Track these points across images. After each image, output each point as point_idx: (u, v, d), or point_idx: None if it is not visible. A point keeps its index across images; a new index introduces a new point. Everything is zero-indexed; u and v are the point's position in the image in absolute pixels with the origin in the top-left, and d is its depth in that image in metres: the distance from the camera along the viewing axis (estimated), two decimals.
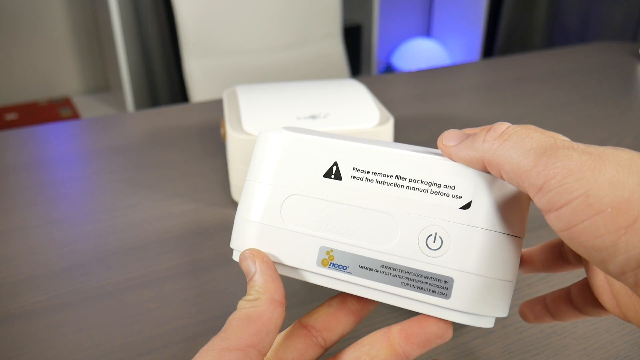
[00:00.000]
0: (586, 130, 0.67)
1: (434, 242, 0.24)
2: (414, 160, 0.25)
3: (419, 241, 0.25)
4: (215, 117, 0.70)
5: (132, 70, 1.81)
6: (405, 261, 0.25)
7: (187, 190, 0.53)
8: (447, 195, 0.24)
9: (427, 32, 2.51)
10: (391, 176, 0.25)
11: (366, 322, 0.37)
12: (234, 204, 0.51)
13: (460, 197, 0.24)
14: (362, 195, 0.25)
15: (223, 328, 0.24)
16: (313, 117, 0.48)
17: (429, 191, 0.25)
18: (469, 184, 0.24)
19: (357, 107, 0.50)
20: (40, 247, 0.45)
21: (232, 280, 0.41)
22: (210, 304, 0.39)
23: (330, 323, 0.27)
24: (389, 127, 0.48)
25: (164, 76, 1.94)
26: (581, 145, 0.21)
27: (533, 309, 0.30)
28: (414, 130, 0.67)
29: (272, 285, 0.25)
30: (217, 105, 0.74)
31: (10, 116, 1.77)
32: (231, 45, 1.23)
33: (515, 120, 0.70)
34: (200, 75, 1.21)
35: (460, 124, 0.68)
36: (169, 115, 0.72)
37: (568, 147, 0.21)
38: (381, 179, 0.25)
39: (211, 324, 0.37)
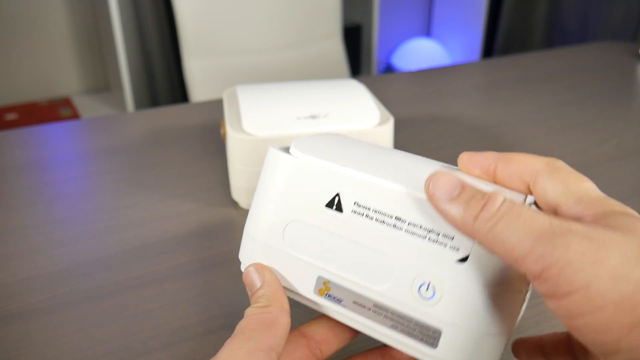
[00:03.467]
0: (586, 130, 0.67)
1: (427, 290, 0.24)
2: (416, 203, 0.24)
3: (412, 287, 0.24)
4: (215, 117, 0.70)
5: (132, 70, 1.81)
6: (397, 305, 0.24)
7: (187, 190, 0.53)
8: (445, 245, 0.23)
9: (427, 32, 2.51)
10: (391, 217, 0.24)
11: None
12: (234, 204, 0.51)
13: (457, 250, 0.23)
14: (361, 231, 0.25)
15: (241, 329, 0.24)
16: (313, 117, 0.48)
17: (428, 238, 0.24)
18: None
19: (357, 107, 0.50)
20: (40, 247, 0.45)
21: (232, 280, 0.41)
22: (210, 304, 0.39)
23: (329, 337, 0.28)
24: (389, 127, 0.48)
25: (164, 76, 1.94)
26: (581, 228, 0.19)
27: (527, 348, 0.28)
28: (414, 130, 0.67)
29: (281, 295, 0.26)
30: (217, 105, 0.74)
31: (10, 116, 1.77)
32: (231, 45, 1.23)
33: (515, 121, 0.70)
34: (200, 75, 1.21)
35: (460, 124, 0.68)
36: (169, 115, 0.72)
37: (567, 231, 0.19)
38: (381, 217, 0.24)
39: (211, 324, 0.37)
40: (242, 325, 0.25)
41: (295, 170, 0.26)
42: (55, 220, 0.48)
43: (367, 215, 0.25)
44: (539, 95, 0.79)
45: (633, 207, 0.54)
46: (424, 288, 0.24)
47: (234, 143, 0.47)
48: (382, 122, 0.48)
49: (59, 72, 1.94)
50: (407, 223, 0.24)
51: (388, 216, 0.24)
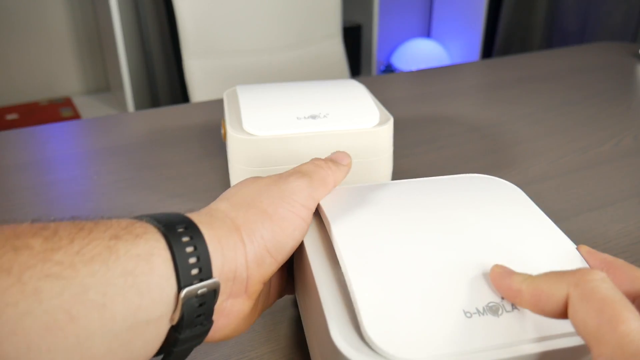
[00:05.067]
0: (586, 130, 0.68)
1: None
2: None
3: None
4: (215, 117, 0.70)
5: (133, 70, 1.81)
6: None
7: (187, 190, 0.53)
8: None
9: (427, 33, 2.51)
10: None
11: None
12: None
13: None
14: None
15: (306, 171, 0.30)
16: (313, 117, 0.48)
17: None
18: None
19: (357, 107, 0.50)
20: None
21: None
22: None
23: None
24: (388, 127, 0.48)
25: (164, 76, 1.94)
26: None
27: None
28: (414, 130, 0.67)
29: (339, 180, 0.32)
30: (217, 105, 0.74)
31: (11, 116, 1.77)
32: (231, 45, 1.23)
33: (514, 121, 0.70)
34: (200, 76, 1.21)
35: (460, 124, 0.68)
36: (169, 115, 0.72)
37: None
38: None
39: None
40: (309, 169, 0.30)
41: None
42: (55, 220, 0.48)
43: None
44: (539, 95, 0.79)
45: (632, 207, 0.54)
46: None
47: (235, 143, 0.47)
48: (381, 122, 0.48)
49: (60, 72, 1.94)
50: None
51: None
